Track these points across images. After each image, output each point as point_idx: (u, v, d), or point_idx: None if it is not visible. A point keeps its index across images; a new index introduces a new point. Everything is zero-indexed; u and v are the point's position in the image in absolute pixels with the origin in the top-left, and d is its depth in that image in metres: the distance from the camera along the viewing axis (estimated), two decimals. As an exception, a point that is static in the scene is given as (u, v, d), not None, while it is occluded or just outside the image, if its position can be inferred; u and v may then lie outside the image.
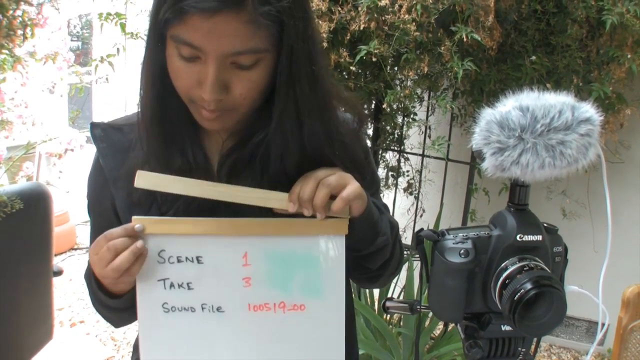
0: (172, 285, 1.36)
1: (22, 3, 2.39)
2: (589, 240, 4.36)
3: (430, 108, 4.00)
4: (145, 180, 1.31)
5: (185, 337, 1.40)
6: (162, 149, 1.43)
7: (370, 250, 1.50)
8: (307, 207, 1.33)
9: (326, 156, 1.44)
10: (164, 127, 1.43)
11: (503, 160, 1.09)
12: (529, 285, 1.11)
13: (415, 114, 3.84)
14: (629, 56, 3.29)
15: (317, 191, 1.32)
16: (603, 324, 1.32)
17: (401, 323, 3.87)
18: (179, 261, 1.36)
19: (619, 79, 3.43)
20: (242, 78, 1.30)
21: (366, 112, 3.91)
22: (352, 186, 1.35)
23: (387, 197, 4.32)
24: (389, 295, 3.83)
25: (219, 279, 1.37)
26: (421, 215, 4.39)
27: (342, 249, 1.40)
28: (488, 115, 1.12)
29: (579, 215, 4.45)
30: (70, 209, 6.92)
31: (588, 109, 1.11)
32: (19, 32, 2.48)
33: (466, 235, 1.24)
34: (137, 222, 1.33)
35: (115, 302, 1.43)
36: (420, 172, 4.32)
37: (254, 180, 1.43)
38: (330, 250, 1.39)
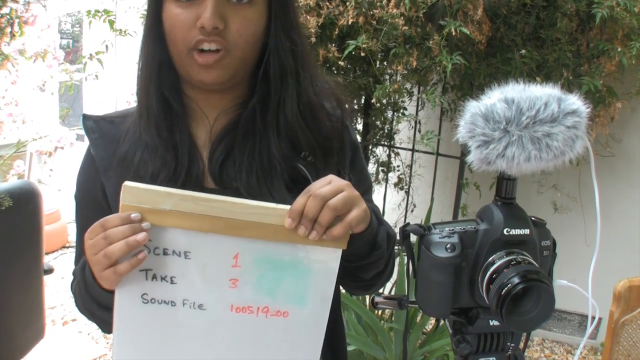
0: (154, 277, 1.32)
1: (8, 1, 2.38)
2: (581, 233, 4.35)
3: (419, 102, 3.99)
4: (133, 195, 1.26)
5: (161, 330, 1.37)
6: (153, 132, 1.48)
7: (365, 262, 1.48)
8: (306, 226, 1.27)
9: (317, 117, 1.53)
10: (158, 110, 1.49)
11: (488, 153, 1.09)
12: (516, 280, 1.10)
13: (405, 108, 3.83)
14: (619, 49, 3.29)
15: (322, 212, 1.26)
16: (593, 318, 1.32)
17: (393, 318, 3.87)
18: (164, 254, 1.30)
19: (610, 73, 3.44)
20: (238, 14, 1.38)
21: (355, 107, 3.91)
22: (358, 210, 1.30)
23: (377, 192, 4.31)
24: (380, 290, 3.84)
25: (205, 277, 1.33)
26: (412, 211, 4.39)
27: (336, 263, 1.35)
28: (473, 107, 1.11)
29: (570, 209, 4.45)
30: (62, 207, 6.90)
31: (575, 101, 1.10)
32: (7, 30, 2.47)
33: (452, 230, 1.23)
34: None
35: (107, 297, 1.37)
36: (411, 167, 4.31)
37: (250, 161, 1.48)
38: (325, 262, 1.34)
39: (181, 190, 1.29)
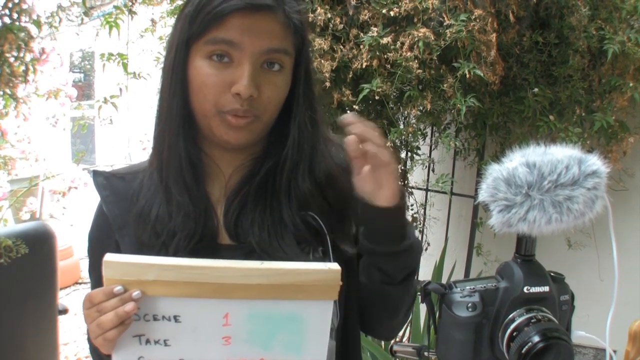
0: (148, 341, 1.32)
1: (23, 50, 2.38)
2: (594, 268, 4.33)
3: (433, 142, 3.99)
4: (114, 269, 1.26)
5: None
6: (182, 186, 1.48)
7: (395, 250, 1.47)
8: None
9: (335, 182, 1.53)
10: (174, 164, 1.48)
11: (510, 218, 1.10)
12: (536, 338, 1.12)
13: (419, 147, 3.83)
14: (631, 84, 3.29)
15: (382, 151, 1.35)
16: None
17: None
18: (154, 319, 1.31)
19: (622, 108, 3.43)
20: (270, 81, 1.39)
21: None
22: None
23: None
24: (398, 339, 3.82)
25: (198, 338, 1.34)
26: (426, 249, 4.37)
27: (329, 314, 1.36)
28: (495, 171, 1.12)
29: (584, 244, 4.42)
30: (74, 243, 6.90)
31: (595, 161, 1.12)
32: (21, 78, 2.47)
33: (473, 288, 1.24)
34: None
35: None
36: (425, 207, 4.30)
37: (261, 216, 1.49)
38: (317, 314, 1.35)
39: (163, 258, 1.30)
